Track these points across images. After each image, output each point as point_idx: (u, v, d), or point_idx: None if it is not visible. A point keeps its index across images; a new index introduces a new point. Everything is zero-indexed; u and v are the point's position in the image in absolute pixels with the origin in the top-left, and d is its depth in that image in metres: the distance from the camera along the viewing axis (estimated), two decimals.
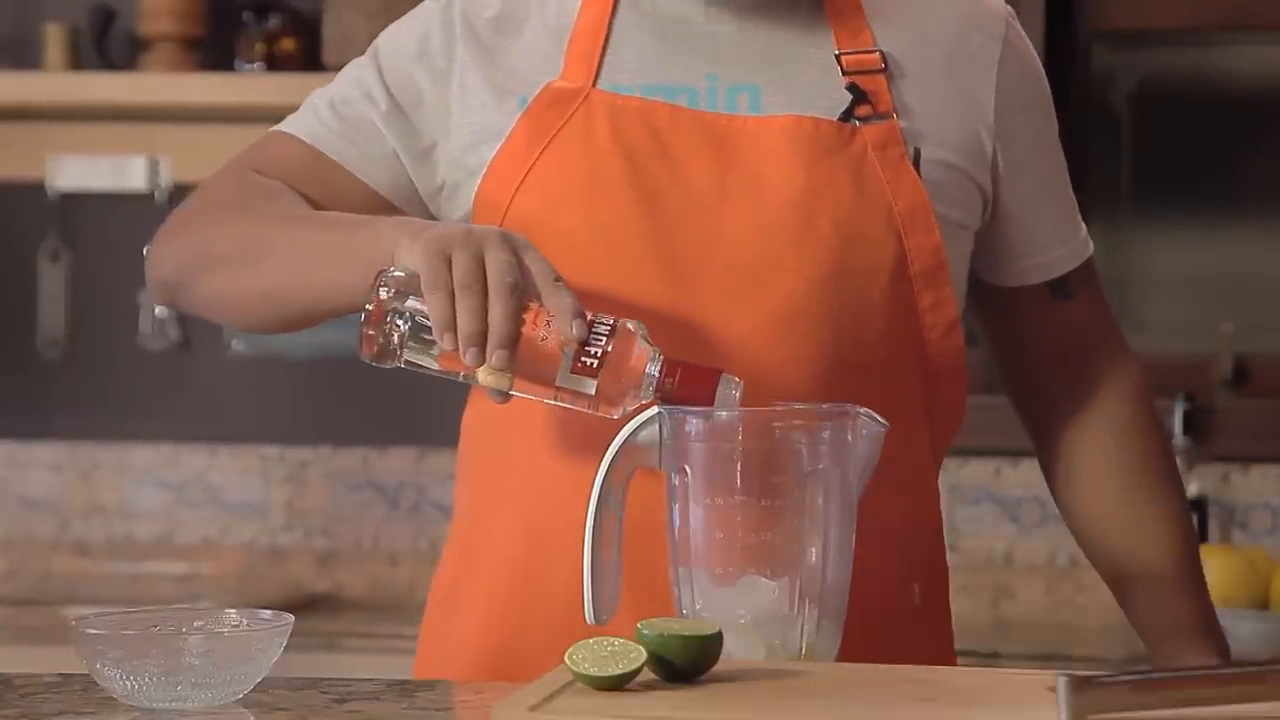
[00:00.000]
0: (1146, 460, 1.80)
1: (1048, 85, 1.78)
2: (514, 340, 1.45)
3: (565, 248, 1.57)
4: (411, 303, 1.47)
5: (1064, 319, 1.79)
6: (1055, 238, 1.77)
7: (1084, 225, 1.81)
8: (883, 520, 1.51)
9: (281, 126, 1.75)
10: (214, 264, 1.67)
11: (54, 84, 3.58)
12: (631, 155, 1.63)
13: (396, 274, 1.48)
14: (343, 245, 1.57)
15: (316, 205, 1.69)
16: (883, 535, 1.50)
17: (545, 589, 1.62)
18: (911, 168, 1.64)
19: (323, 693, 1.42)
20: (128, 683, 1.34)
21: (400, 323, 1.47)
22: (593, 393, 1.47)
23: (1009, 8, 1.76)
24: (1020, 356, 1.83)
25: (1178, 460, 3.26)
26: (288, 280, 1.62)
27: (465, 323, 1.44)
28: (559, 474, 1.61)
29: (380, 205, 1.70)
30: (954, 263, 1.67)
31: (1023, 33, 1.76)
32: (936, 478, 1.74)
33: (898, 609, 1.62)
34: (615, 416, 1.47)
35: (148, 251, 1.75)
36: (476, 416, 1.72)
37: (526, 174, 1.64)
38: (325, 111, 1.73)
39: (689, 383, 1.46)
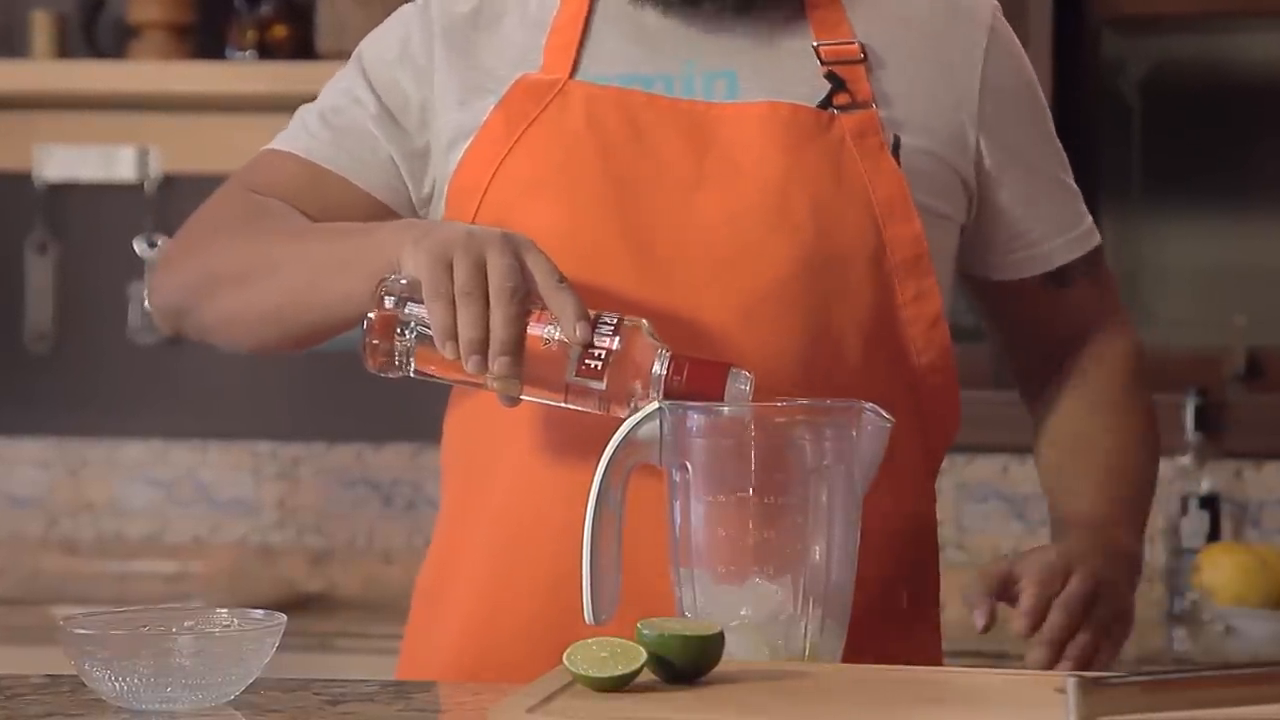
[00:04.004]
0: (1120, 404, 1.79)
1: (1035, 76, 1.77)
2: (517, 346, 1.44)
3: (539, 236, 1.55)
4: (414, 310, 1.47)
5: (1064, 306, 1.79)
6: (1051, 229, 1.76)
7: (1089, 216, 1.80)
8: (867, 521, 1.48)
9: (273, 144, 1.76)
10: (219, 285, 1.67)
11: (41, 72, 3.58)
12: (606, 143, 1.63)
13: (399, 282, 1.48)
14: (349, 254, 1.57)
15: (316, 220, 1.69)
16: (865, 536, 1.48)
17: (520, 589, 1.62)
18: (890, 157, 1.64)
19: (316, 694, 1.41)
20: (116, 684, 1.34)
21: (405, 332, 1.47)
22: (601, 394, 1.46)
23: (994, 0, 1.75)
24: (1023, 347, 1.84)
25: (1189, 457, 3.30)
26: (297, 294, 1.61)
27: (466, 330, 1.44)
28: (537, 473, 1.61)
29: (380, 212, 1.70)
30: (936, 256, 1.66)
31: (1008, 26, 1.75)
32: (931, 480, 1.72)
33: (882, 614, 1.60)
34: (624, 416, 1.46)
35: (149, 280, 1.75)
36: (457, 415, 1.71)
37: (501, 163, 1.65)
38: (315, 124, 1.73)
39: (697, 379, 1.45)
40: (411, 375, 1.49)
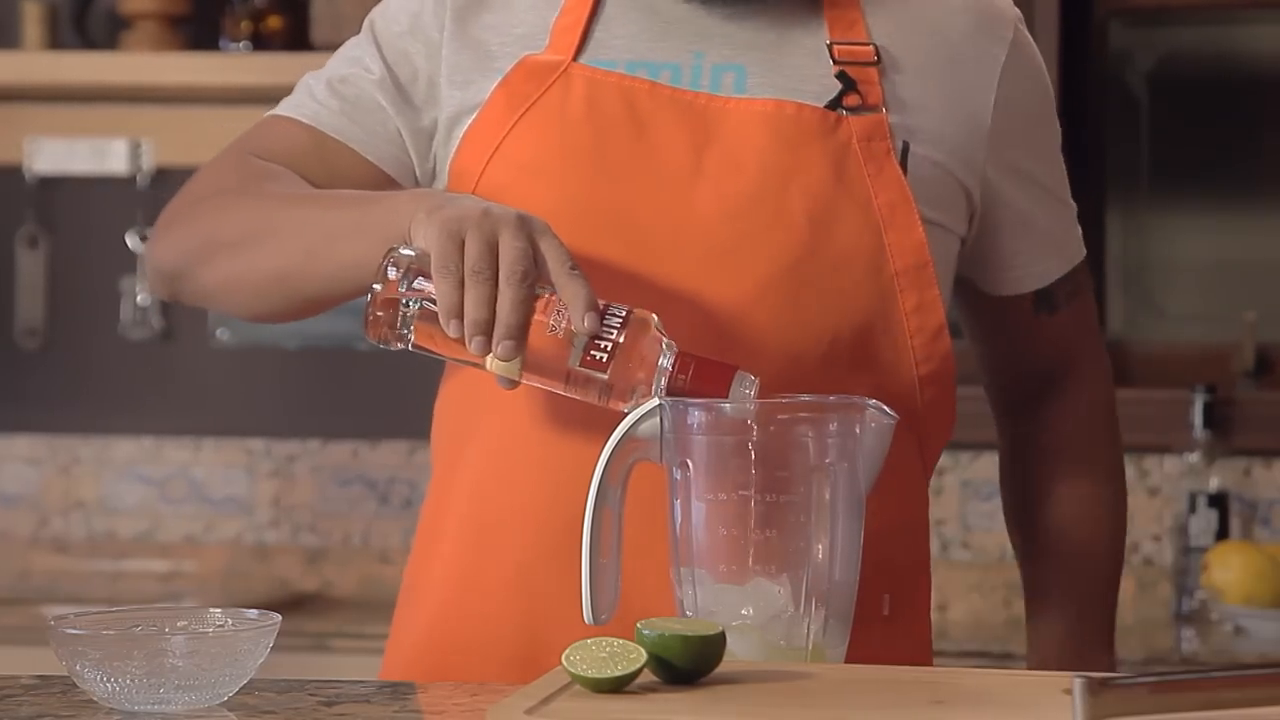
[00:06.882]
0: (1087, 476, 1.84)
1: (1051, 91, 1.77)
2: (522, 330, 1.43)
3: None
4: (420, 284, 1.46)
5: (1048, 332, 1.81)
6: (1045, 248, 1.78)
7: (1079, 229, 1.82)
8: None
9: (277, 110, 1.74)
10: (220, 249, 1.64)
11: (32, 64, 3.57)
12: (604, 130, 1.62)
13: (406, 253, 1.47)
14: (359, 221, 1.55)
15: (320, 188, 1.67)
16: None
17: (487, 578, 1.61)
18: (896, 163, 1.63)
19: (311, 695, 1.40)
20: (108, 685, 1.33)
21: (409, 305, 1.45)
22: (603, 385, 1.45)
23: (1018, 11, 1.74)
24: (1002, 366, 1.86)
25: (1197, 454, 3.26)
26: (301, 260, 1.59)
27: (472, 310, 1.42)
28: (511, 455, 1.60)
29: (385, 184, 1.69)
30: (937, 267, 1.65)
31: (1030, 38, 1.74)
32: (924, 488, 1.72)
33: (863, 618, 1.57)
34: (626, 410, 1.45)
35: (146, 243, 1.72)
36: (445, 398, 1.71)
37: (499, 145, 1.64)
38: (323, 92, 1.71)
39: (702, 378, 1.44)
40: (411, 349, 1.48)
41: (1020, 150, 1.71)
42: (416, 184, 1.70)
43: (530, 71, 1.65)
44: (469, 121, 1.65)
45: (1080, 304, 1.82)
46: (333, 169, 1.68)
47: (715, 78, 1.64)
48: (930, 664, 1.71)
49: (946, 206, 1.67)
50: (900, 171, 1.62)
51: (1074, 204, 1.80)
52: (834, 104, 1.63)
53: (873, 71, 1.64)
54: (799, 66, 1.64)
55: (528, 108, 1.63)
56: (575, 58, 1.65)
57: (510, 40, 1.67)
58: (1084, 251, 1.82)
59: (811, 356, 1.59)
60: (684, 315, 1.56)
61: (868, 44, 1.65)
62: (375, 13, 1.74)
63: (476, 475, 1.63)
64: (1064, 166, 1.78)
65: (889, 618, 1.64)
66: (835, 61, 1.64)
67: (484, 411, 1.62)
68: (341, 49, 1.75)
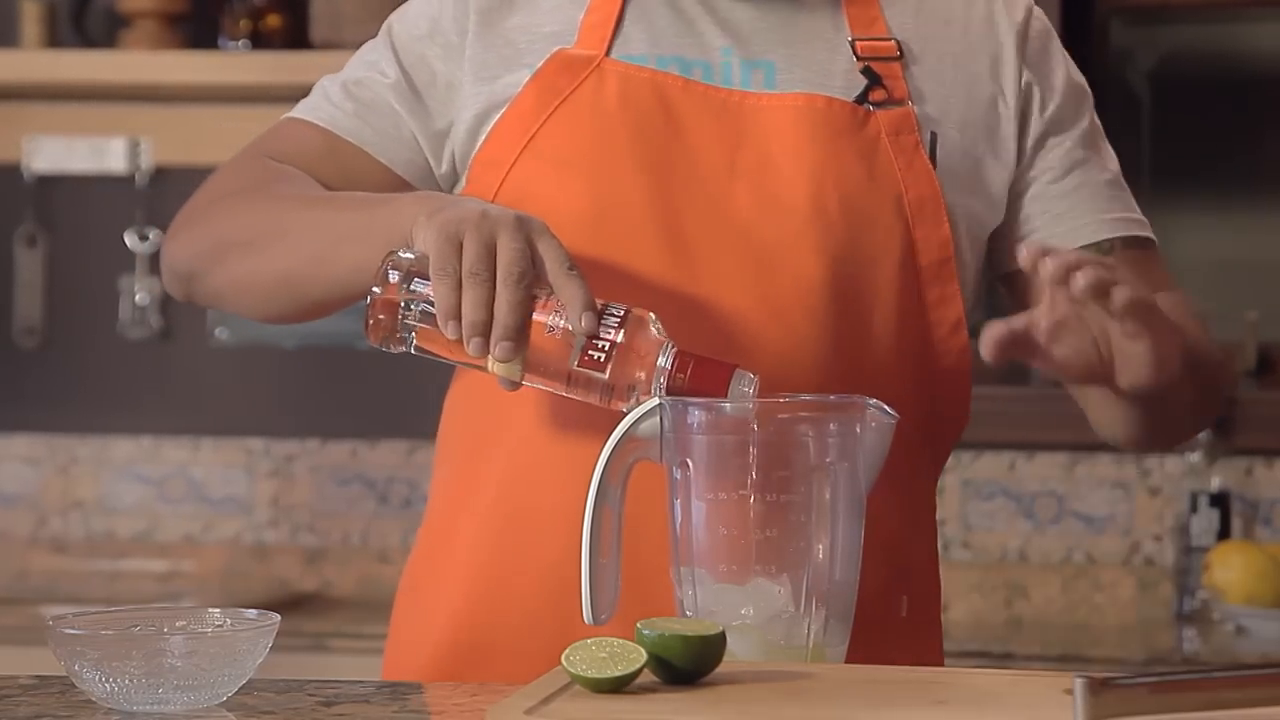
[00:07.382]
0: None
1: (1076, 70, 1.75)
2: (519, 332, 1.44)
3: (565, 214, 1.55)
4: (419, 287, 1.46)
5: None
6: (1086, 209, 1.70)
7: (1137, 211, 1.73)
8: (872, 522, 1.46)
9: (293, 113, 1.75)
10: (231, 250, 1.66)
11: (31, 62, 3.57)
12: (640, 125, 1.63)
13: (405, 256, 1.47)
14: (364, 225, 1.56)
15: (334, 190, 1.68)
16: (870, 538, 1.46)
17: (519, 578, 1.61)
18: (925, 157, 1.64)
19: (309, 695, 1.41)
20: (107, 685, 1.33)
21: (409, 308, 1.46)
22: (603, 385, 1.45)
23: None
24: None
25: (1198, 453, 3.25)
26: (308, 263, 1.60)
27: (470, 312, 1.43)
28: (540, 451, 1.60)
29: (400, 187, 1.70)
30: (965, 260, 1.66)
31: (1045, 18, 1.74)
32: (934, 483, 1.71)
33: (882, 620, 1.57)
34: (626, 410, 1.45)
35: (162, 244, 1.75)
36: (461, 393, 1.70)
37: (531, 138, 1.63)
38: (338, 95, 1.73)
39: (700, 377, 1.43)
40: (412, 352, 1.48)
41: (1051, 127, 1.70)
42: (436, 187, 1.71)
43: (563, 65, 1.65)
44: (497, 116, 1.66)
45: (1144, 269, 1.68)
46: (347, 172, 1.69)
47: (746, 74, 1.64)
48: (942, 663, 1.70)
49: (978, 192, 1.67)
50: (930, 165, 1.63)
51: (1124, 185, 1.73)
52: (860, 99, 1.64)
53: (896, 66, 1.65)
54: (825, 62, 1.65)
55: (560, 102, 1.63)
56: (607, 53, 1.65)
57: (539, 38, 1.67)
58: (1144, 230, 1.72)
59: (848, 354, 1.59)
60: (721, 314, 1.56)
61: (889, 39, 1.66)
62: (394, 17, 1.75)
63: (502, 474, 1.62)
64: (1107, 147, 1.74)
65: (906, 618, 1.64)
66: (859, 57, 1.65)
67: (507, 409, 1.61)
68: (359, 52, 1.76)
